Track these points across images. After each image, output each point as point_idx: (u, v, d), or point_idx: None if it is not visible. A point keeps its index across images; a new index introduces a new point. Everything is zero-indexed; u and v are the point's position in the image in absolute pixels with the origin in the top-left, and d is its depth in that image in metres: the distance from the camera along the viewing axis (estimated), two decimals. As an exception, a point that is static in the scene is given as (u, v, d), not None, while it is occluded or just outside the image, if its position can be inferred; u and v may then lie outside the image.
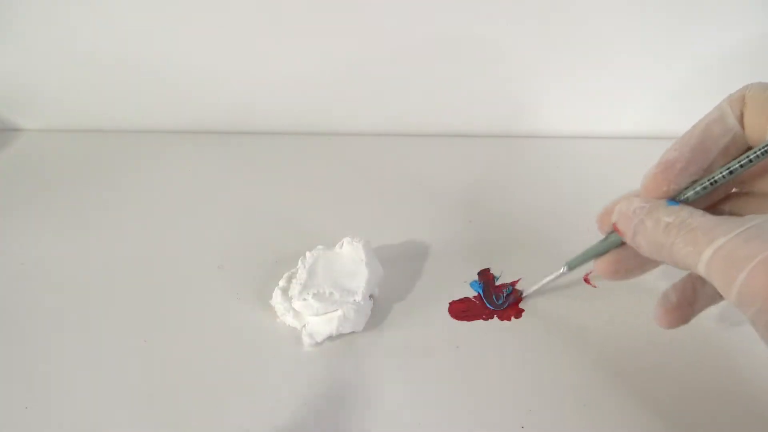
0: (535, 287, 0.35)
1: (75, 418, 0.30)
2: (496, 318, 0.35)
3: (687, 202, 0.25)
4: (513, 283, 0.37)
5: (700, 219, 0.22)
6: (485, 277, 0.38)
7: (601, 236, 0.29)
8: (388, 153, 0.51)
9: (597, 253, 0.29)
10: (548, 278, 0.34)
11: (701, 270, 0.21)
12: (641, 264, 0.28)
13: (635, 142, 0.51)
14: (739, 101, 0.24)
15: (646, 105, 0.51)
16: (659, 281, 0.37)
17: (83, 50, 0.50)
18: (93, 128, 0.55)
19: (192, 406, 0.31)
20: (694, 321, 0.33)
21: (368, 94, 0.52)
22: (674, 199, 0.25)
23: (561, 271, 0.33)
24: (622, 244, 0.27)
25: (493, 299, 0.36)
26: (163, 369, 0.33)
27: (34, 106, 0.55)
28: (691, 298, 0.26)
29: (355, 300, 0.34)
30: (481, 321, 0.35)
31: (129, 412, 0.31)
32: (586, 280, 0.37)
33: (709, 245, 0.21)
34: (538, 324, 0.35)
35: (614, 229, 0.26)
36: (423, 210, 0.44)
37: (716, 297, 0.27)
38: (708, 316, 0.34)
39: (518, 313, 0.35)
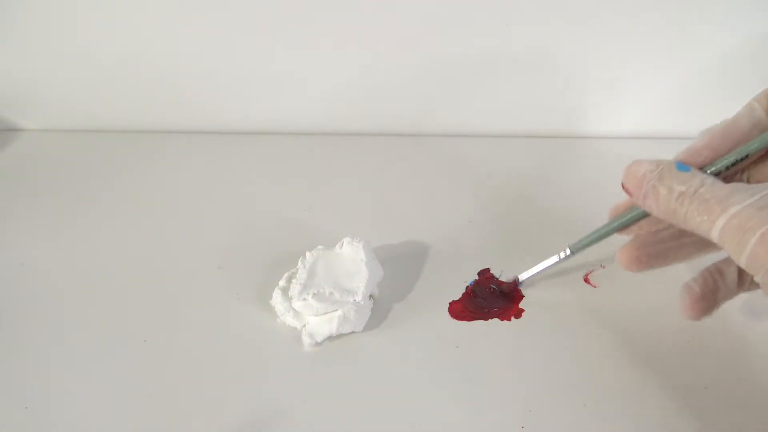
0: (532, 272, 0.35)
1: (75, 418, 0.30)
2: (496, 318, 0.35)
3: None
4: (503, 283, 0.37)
5: (712, 188, 0.23)
6: (485, 277, 0.38)
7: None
8: (388, 153, 0.51)
9: (603, 233, 0.29)
10: (549, 262, 0.34)
11: (714, 237, 0.22)
12: (664, 252, 0.28)
13: (635, 142, 0.51)
14: (766, 96, 0.26)
15: (646, 105, 0.51)
16: (661, 283, 0.37)
17: (83, 50, 0.50)
18: (93, 128, 0.55)
19: (192, 406, 0.31)
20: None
21: (368, 94, 0.52)
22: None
23: (564, 254, 0.33)
24: (627, 226, 0.28)
25: (482, 301, 0.36)
26: (163, 369, 0.33)
27: (34, 106, 0.55)
28: (713, 288, 0.27)
29: (355, 300, 0.34)
30: (481, 321, 0.35)
31: (129, 412, 0.31)
32: (587, 280, 0.37)
33: (722, 214, 0.22)
34: (538, 324, 0.35)
35: (623, 189, 0.26)
36: (423, 210, 0.44)
37: (734, 289, 0.27)
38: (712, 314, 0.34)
39: (518, 313, 0.36)
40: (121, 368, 0.33)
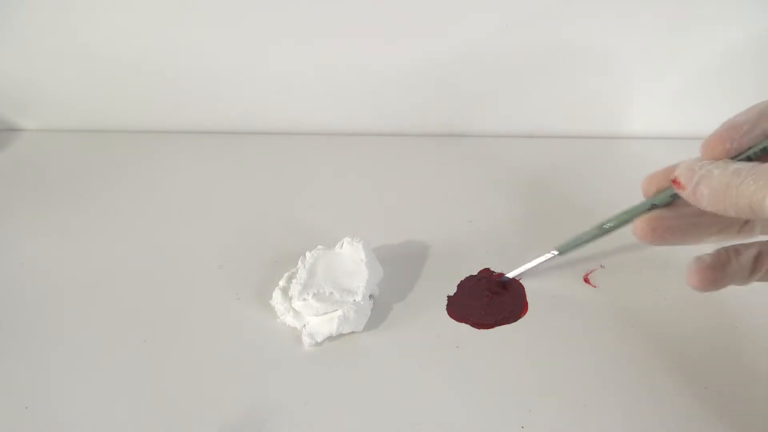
0: (521, 269, 0.36)
1: (75, 418, 0.30)
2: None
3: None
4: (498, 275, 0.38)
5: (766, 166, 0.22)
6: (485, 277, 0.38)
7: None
8: (388, 153, 0.51)
9: (590, 237, 0.30)
10: (536, 261, 0.35)
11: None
12: (682, 227, 0.28)
13: (636, 142, 0.51)
14: None
15: (647, 105, 0.51)
16: (660, 284, 0.37)
17: (83, 50, 0.50)
18: (93, 128, 0.55)
19: (191, 405, 0.31)
20: (698, 319, 0.33)
21: (369, 94, 0.52)
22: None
23: (551, 255, 0.34)
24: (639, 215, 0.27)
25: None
26: (163, 369, 0.33)
27: (34, 106, 0.55)
28: (725, 261, 0.26)
29: (355, 300, 0.34)
30: (481, 321, 0.35)
31: (129, 412, 0.31)
32: (586, 281, 0.37)
33: None
34: (539, 324, 0.35)
35: (673, 183, 0.26)
36: (423, 210, 0.44)
37: (747, 272, 0.27)
38: (711, 315, 0.34)
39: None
40: (120, 368, 0.33)
